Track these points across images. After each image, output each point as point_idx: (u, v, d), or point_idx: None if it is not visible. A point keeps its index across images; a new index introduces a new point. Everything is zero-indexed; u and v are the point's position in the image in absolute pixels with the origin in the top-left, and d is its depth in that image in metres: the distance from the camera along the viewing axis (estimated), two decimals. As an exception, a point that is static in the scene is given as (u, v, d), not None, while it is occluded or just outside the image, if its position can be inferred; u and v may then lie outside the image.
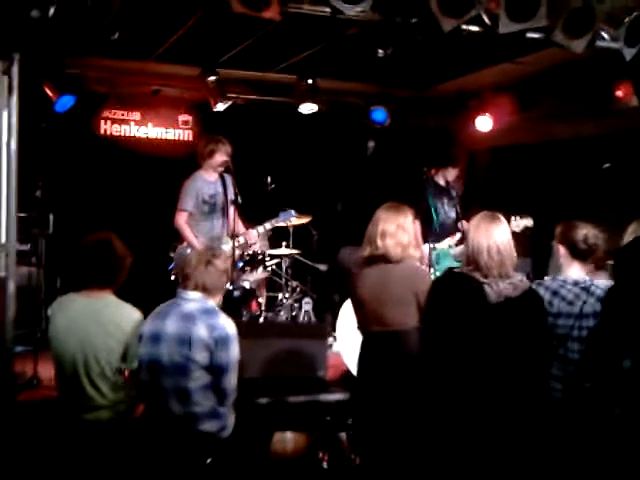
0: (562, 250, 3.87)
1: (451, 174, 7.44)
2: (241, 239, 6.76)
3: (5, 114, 4.47)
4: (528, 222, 6.57)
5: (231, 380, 3.97)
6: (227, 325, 3.95)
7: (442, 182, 7.47)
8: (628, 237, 4.01)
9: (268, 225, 6.92)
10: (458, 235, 7.12)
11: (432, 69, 7.42)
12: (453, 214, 7.40)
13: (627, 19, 4.77)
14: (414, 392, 3.64)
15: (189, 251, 6.17)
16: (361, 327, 4.17)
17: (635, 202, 6.03)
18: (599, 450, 2.56)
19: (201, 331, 3.87)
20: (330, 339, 6.48)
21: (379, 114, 8.19)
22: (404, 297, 3.94)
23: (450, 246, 7.10)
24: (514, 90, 7.53)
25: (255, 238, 6.86)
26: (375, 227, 4.08)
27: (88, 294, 4.13)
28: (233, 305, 6.30)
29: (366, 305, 4.06)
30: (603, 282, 3.71)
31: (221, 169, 6.70)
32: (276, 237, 7.34)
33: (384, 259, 4.02)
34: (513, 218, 6.15)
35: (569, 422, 3.05)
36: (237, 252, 6.59)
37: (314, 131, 8.42)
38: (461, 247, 6.75)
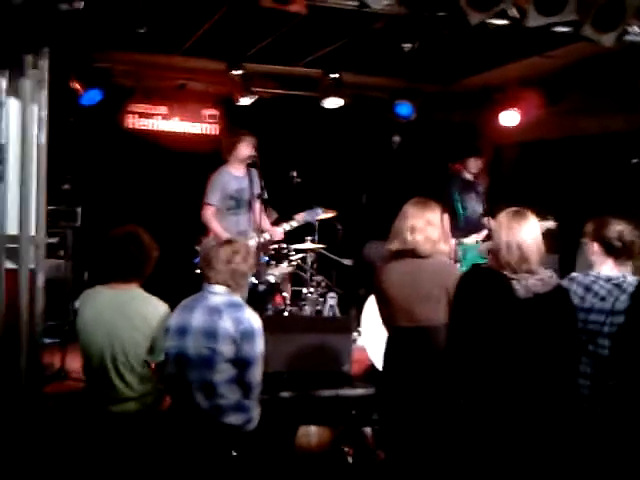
0: (595, 247, 3.81)
1: (473, 166, 7.41)
2: (267, 236, 6.77)
3: (34, 108, 4.51)
4: (550, 224, 6.53)
5: (256, 374, 3.98)
6: (253, 319, 3.96)
7: (468, 177, 7.44)
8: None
9: (294, 223, 6.93)
10: (485, 231, 7.09)
11: (458, 63, 7.38)
12: (480, 209, 7.38)
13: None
14: (441, 388, 3.63)
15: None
16: (387, 322, 4.15)
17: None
18: (623, 448, 2.53)
19: (227, 324, 3.88)
20: (355, 334, 6.47)
21: (404, 108, 8.17)
22: (434, 293, 3.91)
23: (477, 242, 7.08)
24: (541, 84, 7.46)
25: (280, 236, 6.87)
26: (403, 222, 4.04)
27: (115, 287, 4.16)
28: (258, 299, 6.32)
29: (393, 300, 4.03)
30: (636, 279, 3.67)
31: (248, 162, 6.72)
32: (301, 232, 7.34)
33: (413, 254, 3.99)
34: None
35: (595, 420, 3.02)
36: (263, 247, 6.62)
37: (339, 125, 8.41)
38: (487, 243, 6.72)
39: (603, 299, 3.61)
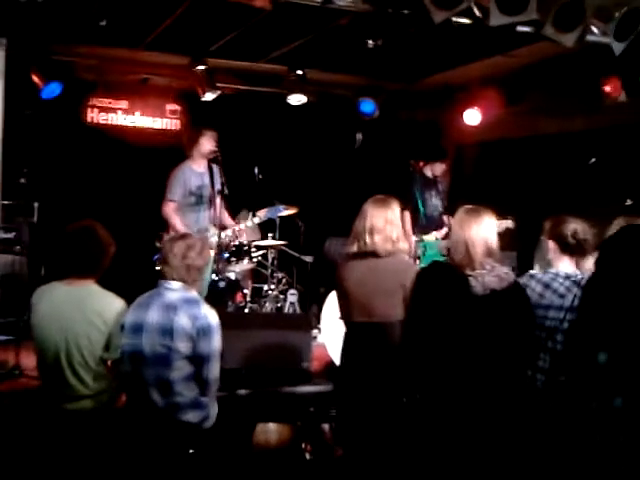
0: (551, 245, 3.87)
1: (439, 168, 7.46)
2: (229, 232, 6.74)
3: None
4: (508, 223, 6.57)
5: (213, 370, 3.94)
6: (209, 315, 3.92)
7: (430, 174, 7.48)
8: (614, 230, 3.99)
9: (256, 220, 6.91)
10: (445, 229, 7.13)
11: (422, 62, 7.40)
12: (440, 207, 7.42)
13: (617, 14, 4.75)
14: (397, 383, 3.63)
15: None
16: (344, 317, 4.15)
17: (623, 197, 6.03)
18: (572, 443, 2.54)
19: (183, 321, 3.84)
20: (315, 331, 6.46)
21: (367, 106, 8.17)
22: (391, 289, 3.92)
23: (437, 239, 7.11)
24: (502, 84, 7.51)
25: (243, 232, 6.84)
26: (363, 222, 4.05)
27: (71, 282, 4.08)
28: (218, 296, 6.28)
29: (352, 295, 4.04)
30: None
31: (210, 157, 6.67)
32: (263, 228, 7.31)
33: (373, 254, 4.01)
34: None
35: (548, 414, 3.04)
36: (223, 243, 6.58)
37: (303, 122, 8.39)
38: (447, 241, 6.77)
39: (562, 296, 3.66)
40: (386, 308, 3.91)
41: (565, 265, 3.83)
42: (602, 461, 2.20)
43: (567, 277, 3.74)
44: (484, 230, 3.60)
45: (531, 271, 3.91)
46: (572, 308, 3.59)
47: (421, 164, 7.52)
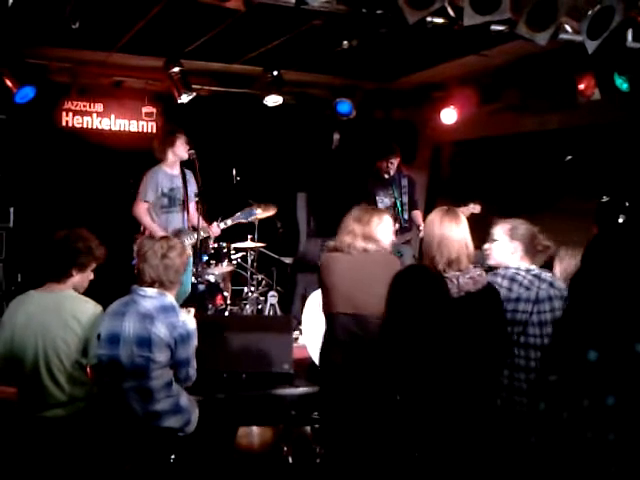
0: (520, 246, 3.95)
1: (388, 166, 7.44)
2: (203, 234, 6.70)
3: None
4: (475, 209, 6.57)
5: (191, 369, 3.97)
6: (188, 321, 3.91)
7: (386, 174, 7.48)
8: (565, 261, 4.09)
9: (229, 221, 6.88)
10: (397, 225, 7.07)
11: (398, 61, 7.41)
12: (390, 204, 7.43)
13: (590, 12, 4.78)
14: (377, 383, 3.62)
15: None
16: (327, 309, 4.15)
17: (599, 194, 6.07)
18: (562, 441, 2.55)
19: (161, 331, 3.80)
20: (296, 332, 6.45)
21: (344, 106, 8.16)
22: (380, 282, 3.90)
23: None
24: (478, 83, 7.53)
25: (218, 233, 6.80)
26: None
27: (47, 289, 4.06)
28: (198, 299, 6.25)
29: (337, 287, 4.05)
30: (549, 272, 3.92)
31: (183, 160, 6.63)
32: (242, 230, 7.28)
33: (360, 250, 4.08)
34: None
35: (539, 416, 3.03)
36: (200, 245, 6.55)
37: (280, 123, 8.36)
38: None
39: (528, 289, 3.78)
40: (372, 299, 3.87)
41: (523, 263, 3.93)
42: (593, 459, 2.19)
43: (528, 271, 3.86)
44: (462, 230, 3.63)
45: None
46: (538, 300, 3.73)
47: (377, 164, 7.53)
